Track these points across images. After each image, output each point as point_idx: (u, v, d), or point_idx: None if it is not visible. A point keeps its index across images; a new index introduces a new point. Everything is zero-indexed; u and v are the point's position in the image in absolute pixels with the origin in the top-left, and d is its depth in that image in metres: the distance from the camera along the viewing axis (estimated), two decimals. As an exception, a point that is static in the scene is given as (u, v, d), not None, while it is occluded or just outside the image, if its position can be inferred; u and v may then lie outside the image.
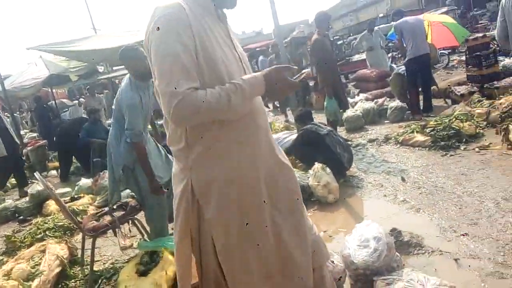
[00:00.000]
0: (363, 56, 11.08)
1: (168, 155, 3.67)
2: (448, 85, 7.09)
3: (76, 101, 12.44)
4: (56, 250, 3.47)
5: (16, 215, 5.59)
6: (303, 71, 1.61)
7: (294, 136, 5.04)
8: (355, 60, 12.37)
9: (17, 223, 5.39)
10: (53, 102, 12.93)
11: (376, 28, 10.14)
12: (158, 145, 3.62)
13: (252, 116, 1.55)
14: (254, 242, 1.54)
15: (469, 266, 2.41)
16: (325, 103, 5.59)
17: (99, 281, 3.21)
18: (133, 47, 3.24)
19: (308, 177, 4.07)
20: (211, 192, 1.50)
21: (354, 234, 2.43)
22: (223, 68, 1.46)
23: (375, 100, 7.55)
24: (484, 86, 6.17)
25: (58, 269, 3.30)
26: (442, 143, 4.73)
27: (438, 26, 9.01)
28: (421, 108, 6.44)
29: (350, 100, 7.47)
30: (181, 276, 1.60)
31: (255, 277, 1.55)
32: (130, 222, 3.50)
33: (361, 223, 2.55)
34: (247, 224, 1.52)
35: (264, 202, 1.55)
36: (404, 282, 2.05)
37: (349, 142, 5.51)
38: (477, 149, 4.41)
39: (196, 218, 1.54)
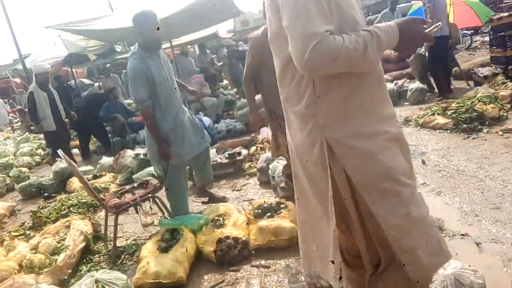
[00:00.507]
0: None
1: (204, 129, 3.70)
2: (471, 67, 6.91)
3: (97, 84, 12.57)
4: (80, 226, 3.58)
5: (41, 191, 5.76)
6: (438, 23, 1.50)
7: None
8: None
9: (42, 199, 5.56)
10: (74, 81, 13.07)
11: (397, 7, 9.86)
12: (193, 116, 3.64)
13: (379, 70, 1.42)
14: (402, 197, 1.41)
15: (491, 250, 2.39)
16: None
17: (122, 257, 3.31)
18: (149, 16, 3.23)
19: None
20: (353, 148, 1.35)
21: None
22: (354, 15, 1.34)
23: (395, 81, 7.41)
24: (509, 68, 6.01)
25: (82, 244, 3.41)
26: (464, 125, 4.64)
27: (460, 5, 8.72)
28: (439, 90, 6.32)
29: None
30: (333, 250, 1.47)
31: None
32: (151, 200, 3.56)
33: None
34: (391, 179, 1.40)
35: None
36: (425, 264, 2.05)
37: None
38: (500, 132, 4.32)
39: (345, 180, 1.39)
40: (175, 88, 3.45)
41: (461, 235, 2.61)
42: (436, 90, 6.57)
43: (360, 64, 1.29)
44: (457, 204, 3.04)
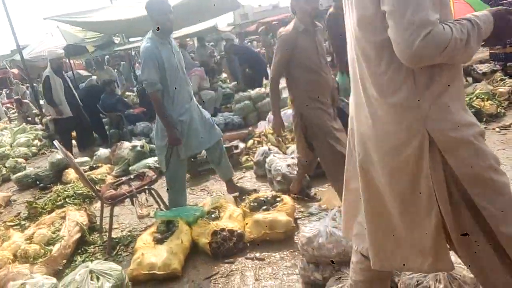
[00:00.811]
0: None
1: (215, 124, 3.65)
2: (470, 63, 6.89)
3: (95, 76, 12.58)
4: (75, 216, 3.58)
5: (37, 182, 5.74)
6: None
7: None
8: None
9: (38, 190, 5.55)
10: (71, 72, 13.00)
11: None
12: (203, 112, 3.60)
13: None
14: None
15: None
16: (337, 78, 5.49)
17: (117, 248, 3.32)
18: (161, 1, 3.22)
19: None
20: (457, 140, 1.28)
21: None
22: (448, 2, 1.27)
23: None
24: (508, 65, 6.01)
25: (77, 235, 3.41)
26: (462, 122, 4.64)
27: (459, 3, 8.70)
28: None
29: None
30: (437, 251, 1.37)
31: None
32: (147, 192, 3.56)
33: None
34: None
35: None
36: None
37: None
38: (497, 129, 4.33)
39: (442, 174, 1.31)
40: (186, 78, 3.41)
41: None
42: None
43: (461, 55, 1.24)
44: (452, 199, 3.03)
